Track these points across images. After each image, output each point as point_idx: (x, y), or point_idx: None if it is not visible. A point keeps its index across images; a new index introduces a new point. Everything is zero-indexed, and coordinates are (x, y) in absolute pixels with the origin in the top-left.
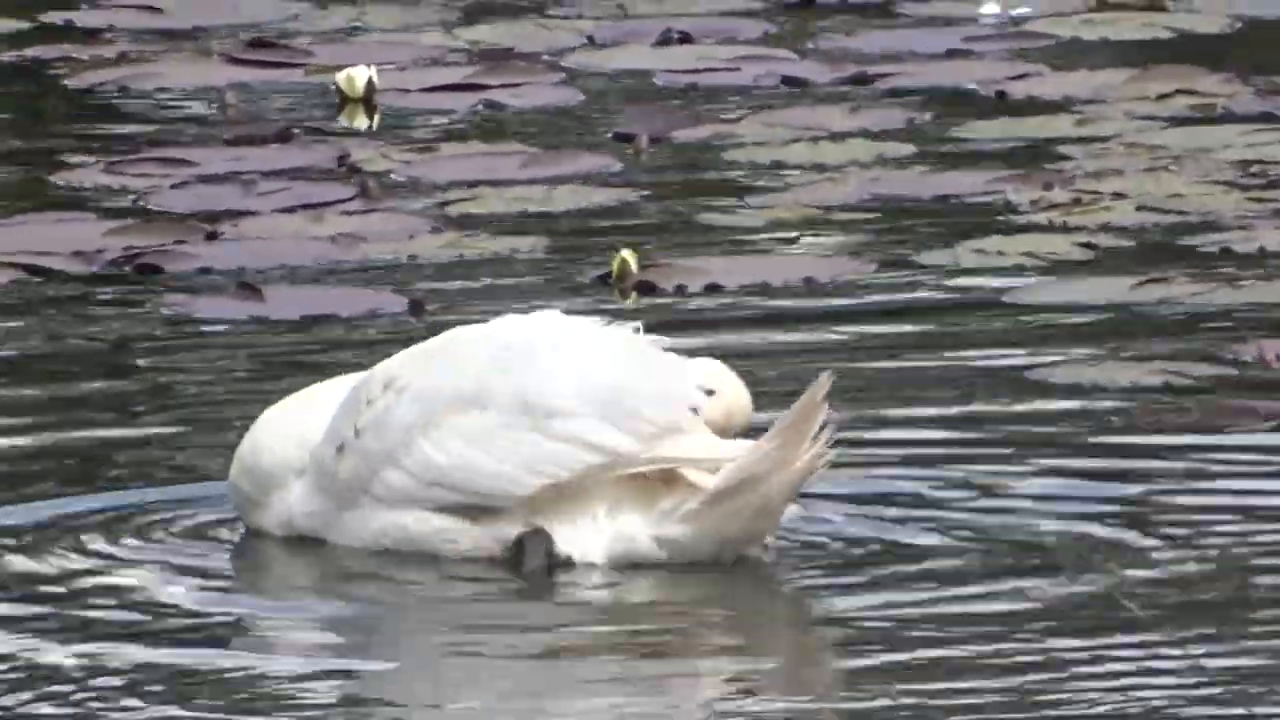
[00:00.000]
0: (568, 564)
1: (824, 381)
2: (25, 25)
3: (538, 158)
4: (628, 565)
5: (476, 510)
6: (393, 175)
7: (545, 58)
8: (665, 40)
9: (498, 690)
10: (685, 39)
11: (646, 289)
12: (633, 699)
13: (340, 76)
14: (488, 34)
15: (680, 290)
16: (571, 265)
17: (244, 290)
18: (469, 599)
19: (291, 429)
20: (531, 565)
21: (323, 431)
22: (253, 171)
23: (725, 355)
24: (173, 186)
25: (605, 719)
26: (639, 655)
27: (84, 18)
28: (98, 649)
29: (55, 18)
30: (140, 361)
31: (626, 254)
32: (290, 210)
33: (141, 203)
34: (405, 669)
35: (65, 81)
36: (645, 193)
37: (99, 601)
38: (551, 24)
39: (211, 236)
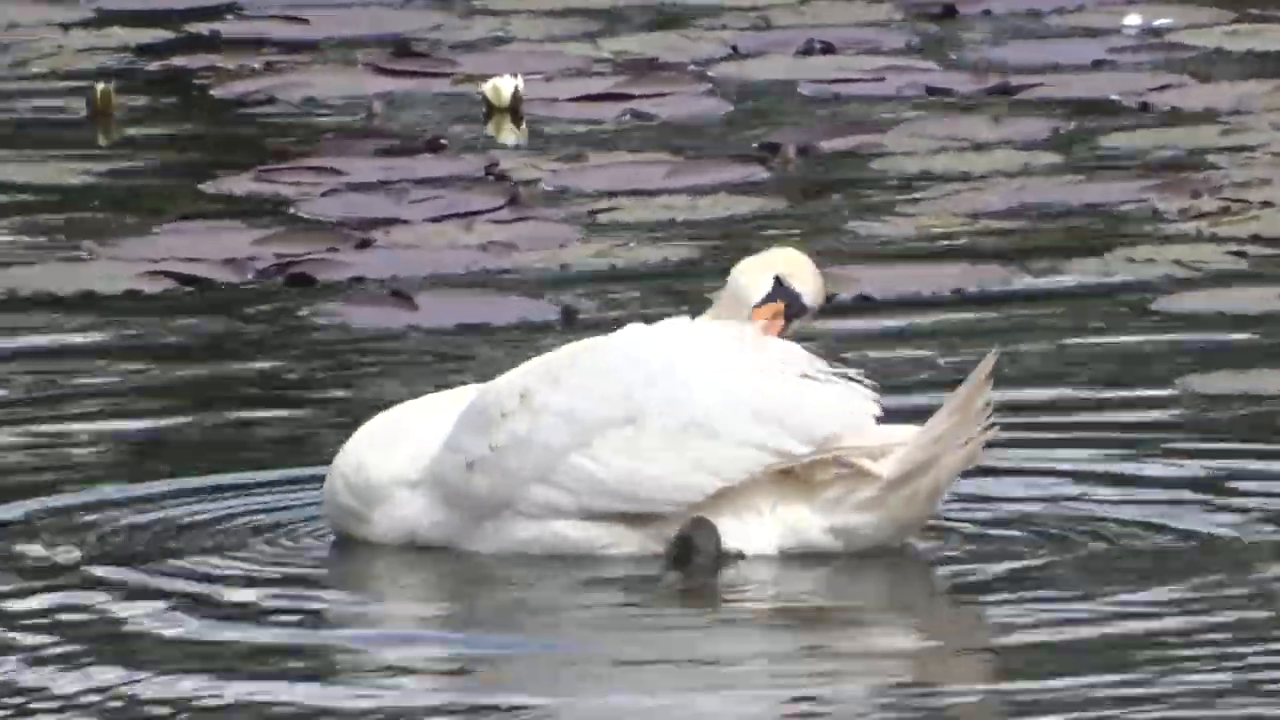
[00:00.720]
0: (738, 557)
1: (989, 361)
2: (171, 35)
3: (683, 167)
4: (798, 556)
5: (636, 515)
6: (541, 184)
7: (690, 68)
8: (808, 50)
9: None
10: (828, 49)
11: None
12: (803, 689)
13: (487, 86)
14: (632, 44)
15: (829, 299)
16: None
17: (397, 298)
18: (632, 602)
19: (399, 442)
20: (701, 560)
21: (433, 444)
22: (403, 180)
23: (878, 366)
24: (323, 195)
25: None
26: (805, 649)
27: (230, 28)
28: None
29: (201, 28)
30: (295, 368)
31: None
32: (441, 219)
33: (293, 211)
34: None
35: (212, 91)
36: (793, 202)
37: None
38: (694, 34)
39: (363, 245)
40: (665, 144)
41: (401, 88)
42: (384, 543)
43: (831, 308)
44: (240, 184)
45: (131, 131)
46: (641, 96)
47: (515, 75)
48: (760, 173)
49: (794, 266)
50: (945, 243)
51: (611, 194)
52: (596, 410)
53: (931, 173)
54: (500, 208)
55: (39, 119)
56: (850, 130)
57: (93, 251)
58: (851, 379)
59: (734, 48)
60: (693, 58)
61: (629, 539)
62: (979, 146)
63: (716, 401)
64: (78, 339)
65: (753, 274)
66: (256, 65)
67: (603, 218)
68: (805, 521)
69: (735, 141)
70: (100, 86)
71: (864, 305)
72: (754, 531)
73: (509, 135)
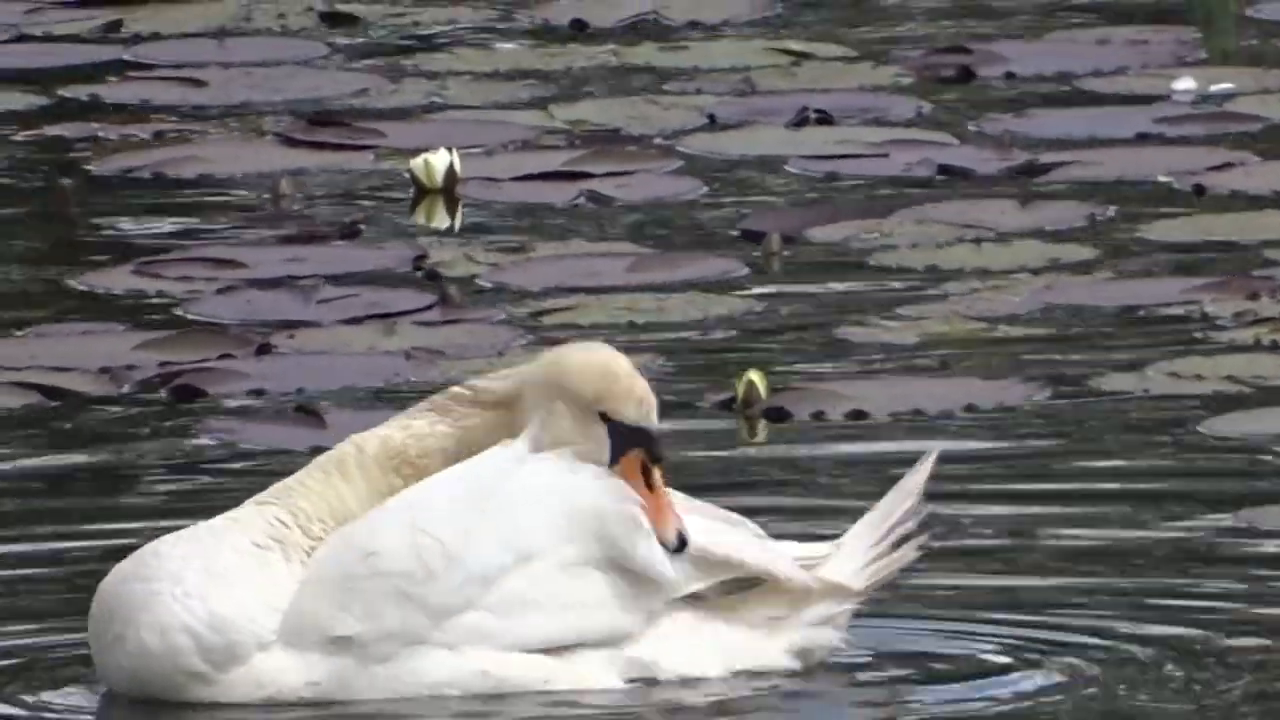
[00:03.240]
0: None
1: (928, 463)
2: (44, 100)
3: (649, 260)
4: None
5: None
6: (478, 280)
7: (658, 141)
8: (801, 121)
9: None
10: (824, 119)
11: (777, 416)
12: None
13: (416, 163)
14: (591, 112)
15: (818, 417)
16: (689, 388)
17: (302, 414)
18: None
19: (238, 589)
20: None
21: (276, 585)
22: (313, 275)
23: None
24: (218, 292)
25: None
26: None
27: (113, 92)
28: None
29: (79, 91)
30: (178, 496)
31: (754, 375)
32: (358, 320)
33: (180, 311)
34: None
35: (90, 166)
36: (777, 302)
37: None
38: (665, 101)
39: (263, 350)
40: (628, 233)
41: (315, 163)
42: (229, 702)
43: (820, 427)
44: (119, 279)
45: None
46: (601, 175)
47: (450, 149)
48: (740, 267)
49: (600, 384)
50: (957, 353)
51: (562, 291)
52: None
53: (942, 269)
54: (428, 308)
55: None
56: (847, 216)
57: None
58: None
59: (711, 117)
60: (662, 129)
61: (562, 674)
62: (1000, 237)
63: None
64: None
65: (552, 415)
66: (144, 135)
67: (550, 319)
68: (749, 643)
69: (711, 229)
70: None
71: (858, 425)
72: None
73: (441, 221)
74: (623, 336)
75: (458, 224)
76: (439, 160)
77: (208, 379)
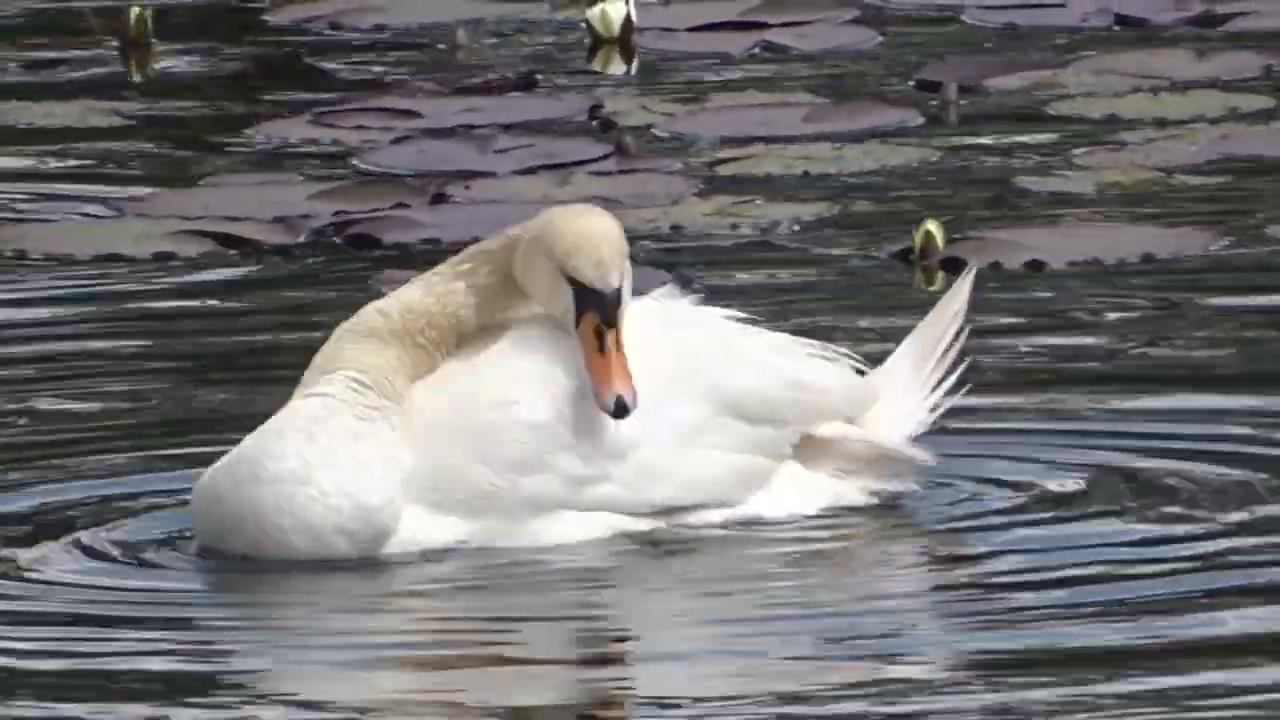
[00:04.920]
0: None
1: (967, 280)
2: None
3: (825, 110)
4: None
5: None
6: (653, 130)
7: None
8: None
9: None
10: None
11: (954, 266)
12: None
13: (593, 12)
14: None
15: (995, 268)
16: (865, 238)
17: None
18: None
19: (381, 472)
20: None
21: (408, 456)
22: (489, 125)
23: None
24: (393, 142)
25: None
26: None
27: None
28: None
29: None
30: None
31: (931, 225)
32: (532, 170)
33: (356, 161)
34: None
35: (266, 17)
36: (953, 153)
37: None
38: None
39: (439, 200)
40: (804, 82)
41: (491, 13)
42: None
43: (996, 277)
44: (295, 129)
45: (169, 65)
46: (776, 25)
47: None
48: (916, 116)
49: (569, 243)
50: (1133, 203)
51: (737, 141)
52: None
53: (1119, 118)
54: (604, 158)
55: (62, 51)
56: (1024, 66)
57: (119, 207)
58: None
59: None
60: None
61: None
62: (1176, 87)
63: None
64: (90, 309)
65: (532, 270)
66: None
67: (725, 170)
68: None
69: (887, 79)
70: (134, 11)
71: (1034, 274)
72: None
73: (617, 70)
74: (798, 186)
75: (633, 73)
76: (615, 10)
77: (383, 228)
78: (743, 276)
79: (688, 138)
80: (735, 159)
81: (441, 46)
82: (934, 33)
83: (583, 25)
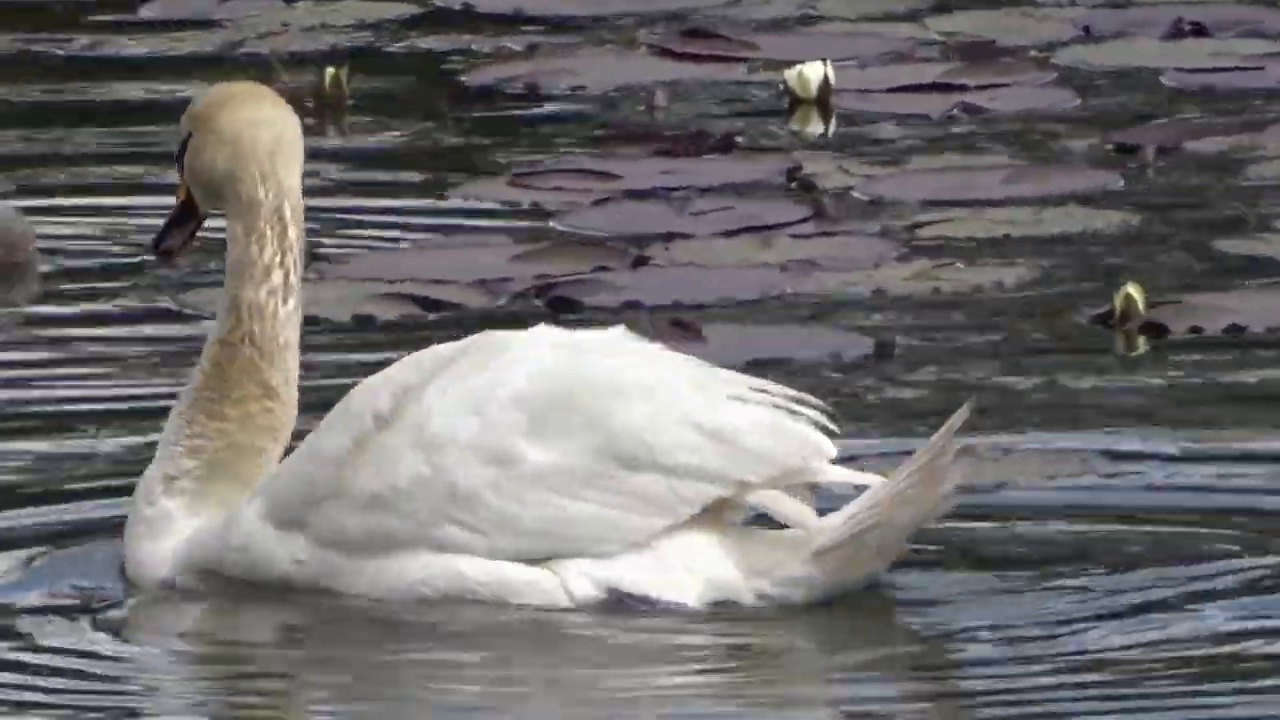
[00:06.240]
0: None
1: (961, 414)
2: (415, 10)
3: (1024, 172)
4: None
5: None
6: (853, 192)
7: (1033, 53)
8: (1176, 33)
9: None
10: (1199, 31)
11: (1154, 331)
12: None
13: (790, 74)
14: (965, 24)
15: (1195, 333)
16: (1064, 302)
17: (678, 328)
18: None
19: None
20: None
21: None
22: (687, 187)
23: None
24: (593, 204)
25: None
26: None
27: (486, 2)
28: None
29: (452, 1)
30: None
31: (1131, 289)
32: (732, 233)
33: (555, 223)
34: None
35: (463, 78)
36: (1153, 215)
37: None
38: (1039, 13)
39: (639, 263)
40: (1003, 144)
41: (689, 75)
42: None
43: (1195, 341)
44: (494, 190)
45: (365, 123)
46: (975, 88)
47: (824, 61)
48: (1116, 180)
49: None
50: None
51: (937, 204)
52: (506, 439)
53: None
54: (803, 220)
55: None
56: (1222, 129)
57: (319, 270)
58: (808, 406)
59: (1086, 29)
60: (1036, 40)
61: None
62: None
63: (659, 432)
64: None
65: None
66: (516, 47)
67: (925, 233)
68: (734, 581)
69: (1086, 141)
70: (330, 71)
71: (1235, 339)
72: (678, 582)
73: (815, 132)
74: (999, 250)
75: (831, 135)
76: (813, 72)
77: (583, 290)
78: (944, 340)
79: (887, 200)
80: (935, 221)
81: (640, 108)
82: (1132, 95)
83: (780, 86)
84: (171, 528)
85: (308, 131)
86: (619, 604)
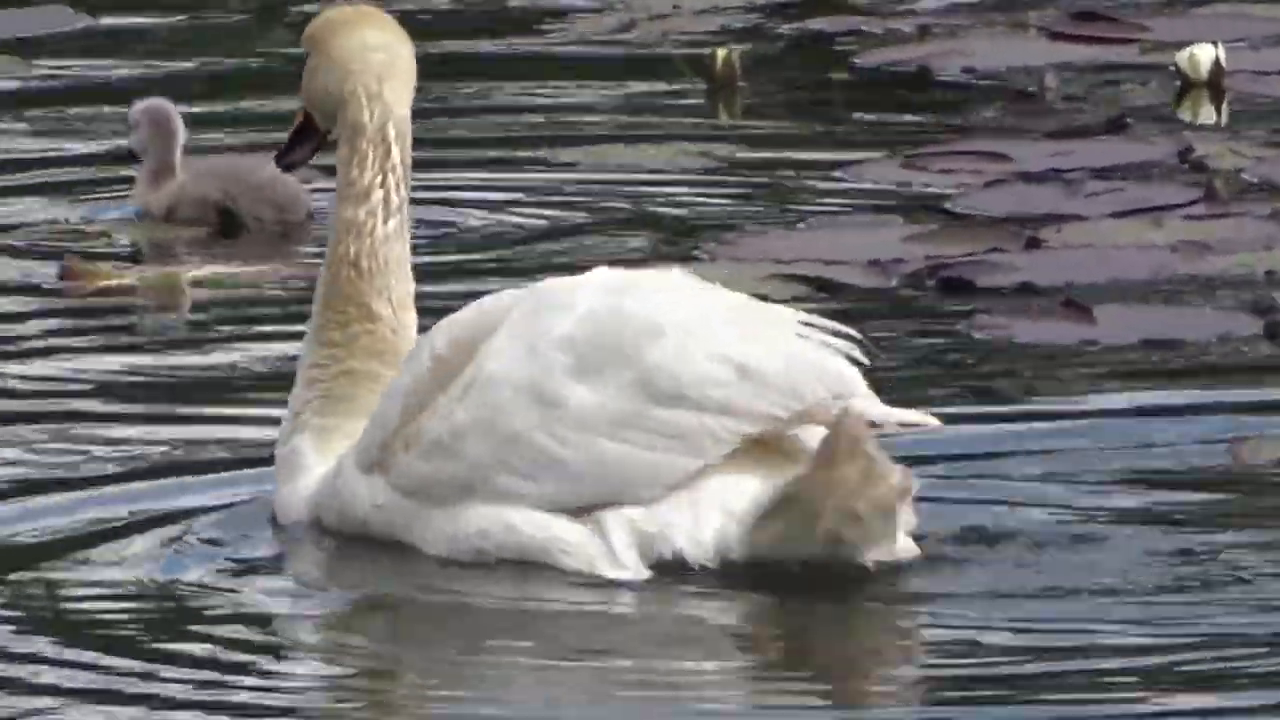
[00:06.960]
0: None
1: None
2: None
3: None
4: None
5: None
6: (1243, 174)
7: None
8: None
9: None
10: None
11: None
12: None
13: (1181, 56)
14: None
15: None
16: None
17: (1070, 309)
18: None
19: None
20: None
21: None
22: (1079, 168)
23: None
24: (985, 186)
25: None
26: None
27: None
28: None
29: None
30: (948, 387)
31: None
32: (1124, 214)
33: (948, 205)
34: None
35: (855, 59)
36: None
37: None
38: None
39: (1032, 245)
40: None
41: (1080, 57)
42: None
43: None
44: (886, 171)
45: (756, 104)
46: None
47: (1215, 43)
48: None
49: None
50: None
51: None
52: (552, 381)
53: None
54: (1195, 202)
55: (650, 93)
56: None
57: (711, 251)
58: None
59: None
60: None
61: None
62: None
63: (686, 358)
64: None
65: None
66: (907, 29)
67: None
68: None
69: None
70: (721, 52)
71: None
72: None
73: (1207, 115)
74: None
75: (1223, 117)
76: (1204, 54)
77: (976, 272)
78: None
79: (1278, 181)
80: None
81: (1031, 90)
82: None
83: (1171, 69)
84: (304, 464)
85: (698, 111)
86: (659, 564)
